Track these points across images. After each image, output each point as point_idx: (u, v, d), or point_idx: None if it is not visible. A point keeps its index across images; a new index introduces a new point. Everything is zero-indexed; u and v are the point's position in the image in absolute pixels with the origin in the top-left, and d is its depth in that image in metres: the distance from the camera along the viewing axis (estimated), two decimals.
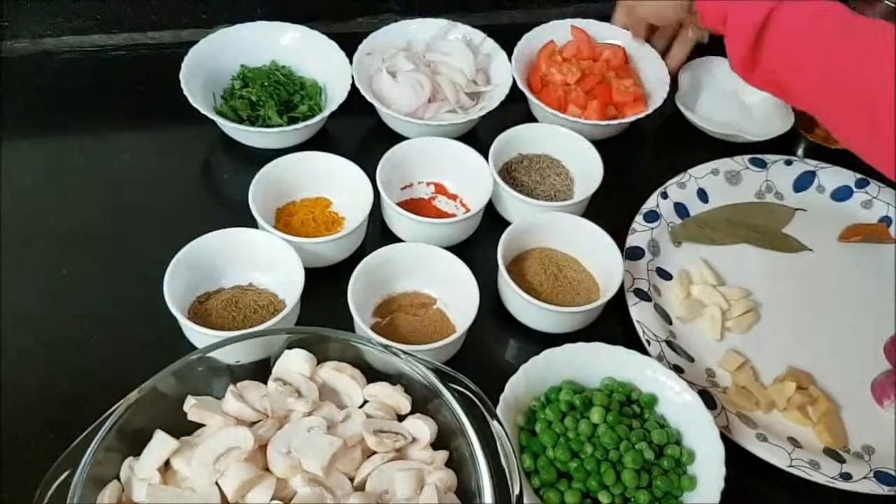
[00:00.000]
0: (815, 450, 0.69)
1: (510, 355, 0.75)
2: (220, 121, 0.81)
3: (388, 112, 0.84)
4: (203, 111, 0.80)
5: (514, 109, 0.90)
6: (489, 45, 0.92)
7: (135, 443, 0.55)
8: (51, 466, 0.51)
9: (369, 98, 0.84)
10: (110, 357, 0.69)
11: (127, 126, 0.87)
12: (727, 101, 0.94)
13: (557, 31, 0.93)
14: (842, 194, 0.88)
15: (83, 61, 0.92)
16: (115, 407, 0.53)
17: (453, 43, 0.91)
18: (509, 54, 0.90)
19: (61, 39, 0.93)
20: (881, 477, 0.66)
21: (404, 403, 0.59)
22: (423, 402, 0.59)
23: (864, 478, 0.66)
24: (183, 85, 0.81)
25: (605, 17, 0.95)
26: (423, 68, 0.88)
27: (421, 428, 0.57)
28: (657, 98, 0.89)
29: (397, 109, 0.85)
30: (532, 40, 0.92)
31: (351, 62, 0.86)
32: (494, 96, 0.88)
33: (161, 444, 0.54)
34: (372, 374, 0.61)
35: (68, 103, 0.88)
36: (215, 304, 0.70)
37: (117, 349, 0.70)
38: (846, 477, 0.66)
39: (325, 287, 0.72)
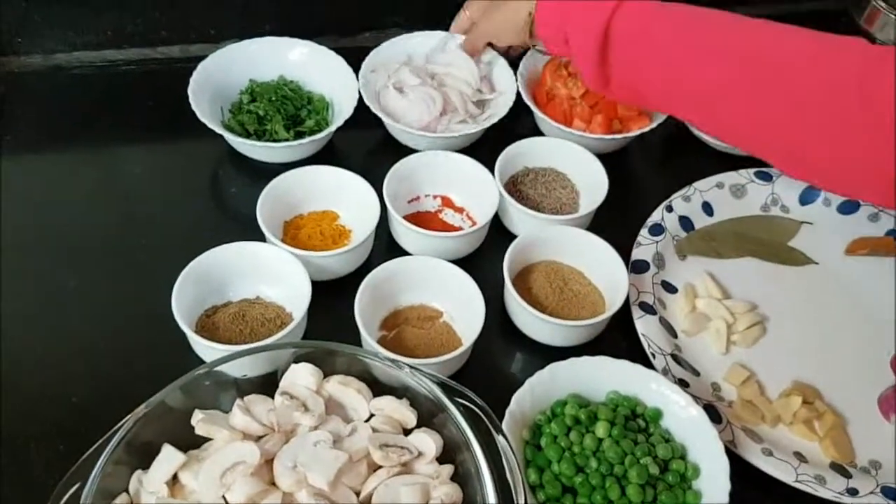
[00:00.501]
0: (822, 465, 0.69)
1: (516, 368, 0.75)
2: (228, 135, 0.82)
3: (401, 127, 0.85)
4: (211, 125, 0.81)
5: (520, 123, 0.91)
6: (489, 53, 0.92)
7: (143, 456, 0.55)
8: (60, 479, 0.51)
9: (380, 115, 0.85)
10: (119, 370, 0.70)
11: (136, 140, 0.88)
12: None
13: None
14: (848, 207, 0.88)
15: (94, 76, 0.93)
16: (123, 421, 0.54)
17: (453, 53, 0.91)
18: (515, 69, 0.91)
19: (73, 55, 0.94)
20: (888, 492, 0.66)
21: (410, 417, 0.59)
22: (428, 416, 0.59)
23: (871, 493, 0.66)
24: (191, 99, 0.82)
25: None
26: (430, 81, 0.89)
27: (426, 442, 0.57)
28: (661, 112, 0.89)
29: (408, 123, 0.85)
30: (538, 55, 0.92)
31: (358, 77, 0.87)
32: (500, 104, 0.89)
33: (169, 457, 0.54)
34: (378, 388, 0.61)
35: (79, 117, 0.89)
36: (223, 318, 0.70)
37: (126, 362, 0.70)
38: (853, 492, 0.66)
39: (332, 300, 0.73)
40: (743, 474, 0.64)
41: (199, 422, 0.56)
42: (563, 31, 0.72)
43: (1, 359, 0.69)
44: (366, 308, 0.70)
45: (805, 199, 0.88)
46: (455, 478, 0.57)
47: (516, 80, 0.89)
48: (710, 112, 0.66)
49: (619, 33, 0.68)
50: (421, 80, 0.88)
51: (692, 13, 0.66)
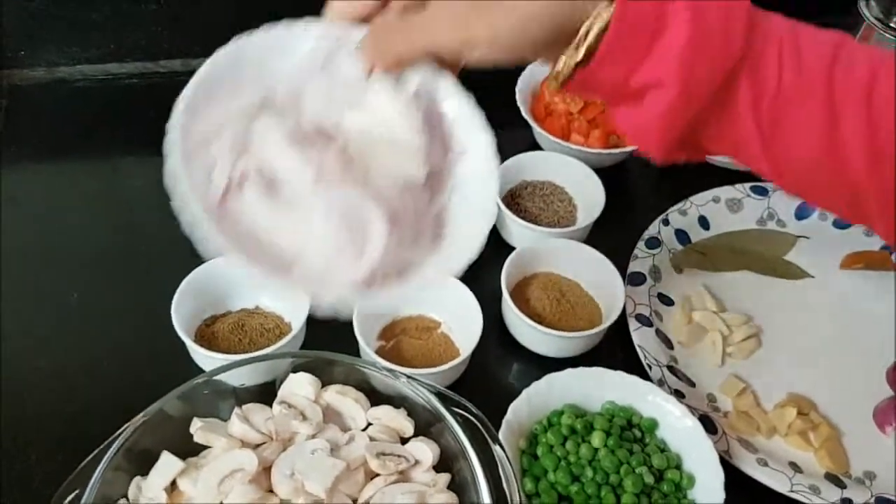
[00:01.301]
0: (817, 475, 0.69)
1: (513, 378, 0.75)
2: None
3: (310, 290, 0.41)
4: None
5: (519, 137, 0.92)
6: (419, 71, 0.42)
7: (142, 463, 0.56)
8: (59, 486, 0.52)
9: (248, 266, 0.40)
10: (119, 379, 0.70)
11: (138, 152, 0.88)
12: None
13: None
14: (844, 222, 0.88)
15: (96, 89, 0.94)
16: (122, 428, 0.54)
17: (354, 81, 0.42)
18: (513, 84, 0.92)
19: (76, 68, 0.95)
20: (882, 503, 0.66)
21: (407, 427, 0.60)
22: (426, 425, 0.60)
23: (866, 503, 0.66)
24: None
25: None
26: (330, 161, 0.41)
27: (423, 451, 0.58)
28: None
29: (313, 276, 0.40)
30: (536, 69, 0.93)
31: None
32: (464, 177, 0.45)
33: (168, 464, 0.55)
34: (376, 398, 0.61)
35: (82, 130, 0.90)
36: (222, 328, 0.71)
37: (126, 372, 0.71)
38: (847, 502, 0.66)
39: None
40: (738, 484, 0.64)
41: (198, 430, 0.57)
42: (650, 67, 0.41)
43: (1, 368, 0.69)
44: (364, 319, 0.70)
45: (801, 213, 0.89)
46: (452, 486, 0.57)
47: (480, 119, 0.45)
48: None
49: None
50: (315, 163, 0.40)
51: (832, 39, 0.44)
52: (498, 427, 0.62)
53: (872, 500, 0.67)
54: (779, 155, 0.45)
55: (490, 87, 0.50)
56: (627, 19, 0.40)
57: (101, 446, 0.53)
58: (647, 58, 0.41)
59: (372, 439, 0.58)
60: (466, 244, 0.41)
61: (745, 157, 0.46)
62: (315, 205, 0.39)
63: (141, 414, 0.55)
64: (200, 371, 0.70)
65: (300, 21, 0.41)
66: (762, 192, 0.89)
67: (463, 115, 0.44)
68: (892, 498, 0.67)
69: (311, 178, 0.38)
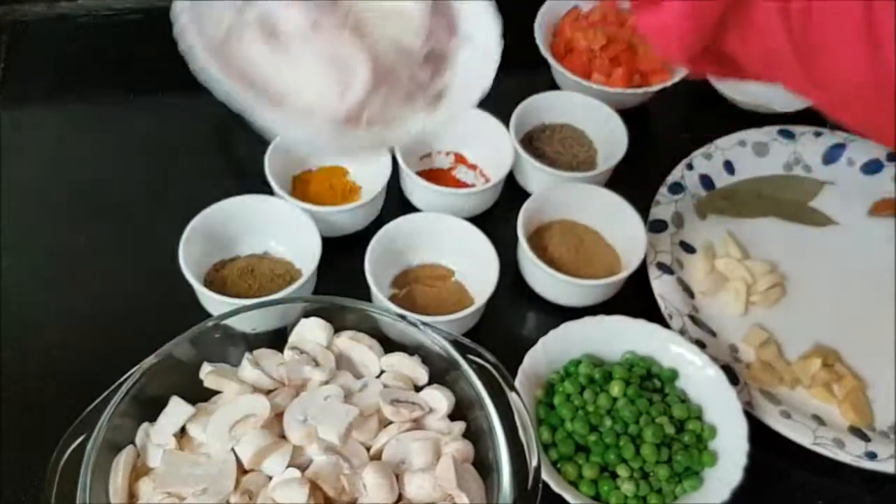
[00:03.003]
0: (840, 428, 0.67)
1: (529, 328, 0.74)
2: None
3: (280, 119, 0.43)
4: None
5: (538, 76, 0.88)
6: None
7: (150, 408, 0.55)
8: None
9: (234, 92, 0.42)
10: (127, 324, 0.69)
11: (143, 91, 0.86)
12: None
13: None
14: (872, 168, 0.85)
15: (99, 25, 0.91)
16: (130, 372, 0.53)
17: None
18: (532, 19, 0.88)
19: (77, 3, 0.92)
20: None
21: (422, 374, 0.58)
22: (440, 373, 0.58)
23: (890, 457, 0.65)
24: None
25: None
26: (328, 16, 0.43)
27: (438, 399, 0.56)
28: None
29: (299, 109, 0.43)
30: (556, 4, 0.89)
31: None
32: (472, 62, 0.47)
33: (177, 410, 0.54)
34: (389, 345, 0.60)
35: (85, 68, 0.87)
36: (231, 272, 0.69)
37: (134, 316, 0.70)
38: (871, 456, 0.64)
39: (342, 256, 0.71)
40: (760, 436, 0.63)
41: (209, 374, 0.55)
42: None
43: (6, 311, 0.68)
44: (377, 266, 0.68)
45: (828, 158, 0.86)
46: (467, 434, 0.56)
47: (496, 16, 0.47)
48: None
49: None
50: (312, 14, 0.43)
51: None
52: (513, 376, 0.61)
53: None
54: (815, 68, 0.43)
55: (507, 22, 0.48)
56: None
57: (108, 391, 0.52)
58: None
59: (385, 386, 0.57)
60: (455, 109, 0.45)
61: (779, 72, 0.45)
62: (307, 49, 0.42)
63: (149, 357, 0.54)
64: (209, 316, 0.68)
65: None
66: (789, 135, 0.86)
67: (472, 4, 0.46)
68: None
69: (308, 28, 0.41)
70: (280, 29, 0.42)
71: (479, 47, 0.46)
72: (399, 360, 0.59)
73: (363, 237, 0.72)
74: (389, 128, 0.44)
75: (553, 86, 0.88)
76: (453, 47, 0.47)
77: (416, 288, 0.72)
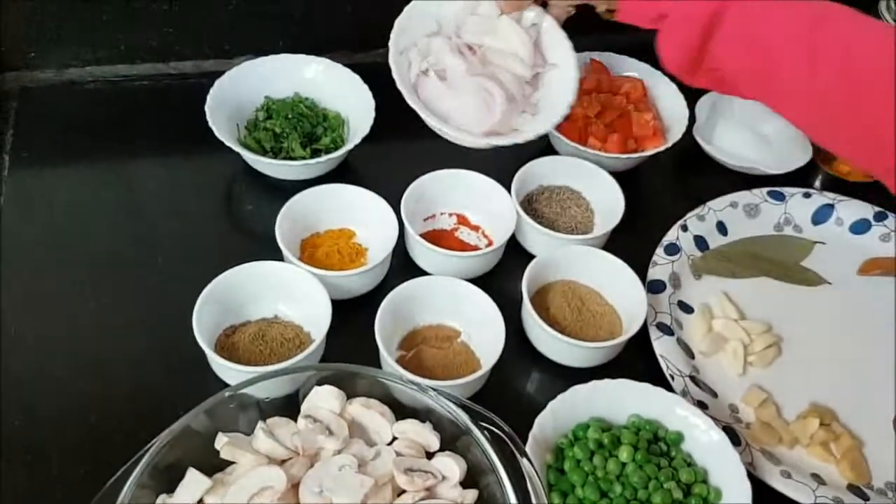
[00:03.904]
0: (839, 486, 0.69)
1: (532, 388, 0.75)
2: (245, 153, 0.81)
3: (462, 137, 0.67)
4: (228, 143, 0.81)
5: (535, 141, 0.90)
6: (533, 10, 0.70)
7: (167, 479, 0.55)
8: (82, 501, 0.51)
9: (431, 122, 0.67)
10: (138, 389, 0.69)
11: (150, 156, 0.87)
12: (745, 132, 0.94)
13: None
14: (860, 227, 0.88)
15: (107, 91, 0.93)
16: (148, 446, 0.53)
17: (492, 18, 0.69)
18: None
19: (85, 69, 0.93)
20: None
21: (433, 441, 0.59)
22: (451, 439, 0.59)
23: None
24: (208, 117, 0.81)
25: (624, 50, 0.96)
26: (475, 62, 0.68)
27: (450, 466, 0.57)
28: (676, 131, 0.90)
29: (460, 127, 0.67)
30: None
31: (373, 94, 0.86)
32: (555, 82, 0.70)
33: (195, 482, 0.54)
34: (400, 410, 0.61)
35: (93, 132, 0.89)
36: (242, 338, 0.70)
37: (144, 382, 0.70)
38: None
39: (349, 318, 0.72)
40: (762, 496, 0.64)
41: (224, 446, 0.56)
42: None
43: (19, 378, 0.69)
44: (385, 328, 0.70)
45: (818, 218, 0.89)
46: (479, 503, 0.57)
47: (571, 47, 0.70)
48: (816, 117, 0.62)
49: (735, 18, 0.62)
50: (466, 62, 0.68)
51: (813, 11, 0.61)
52: (521, 438, 0.62)
53: None
54: (773, 87, 0.62)
55: None
56: None
57: (129, 464, 0.52)
58: None
59: (398, 454, 0.58)
60: (549, 118, 0.69)
61: (749, 88, 0.64)
62: (466, 85, 0.67)
63: (166, 431, 0.54)
64: (219, 381, 0.69)
65: None
66: (779, 197, 0.89)
67: (556, 39, 0.70)
68: None
69: (464, 71, 0.67)
70: (446, 73, 0.68)
71: (563, 72, 0.70)
72: (411, 427, 0.59)
73: (370, 298, 0.74)
74: (510, 136, 0.68)
75: (551, 151, 0.90)
76: (544, 72, 0.71)
77: (423, 349, 0.73)
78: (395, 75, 0.66)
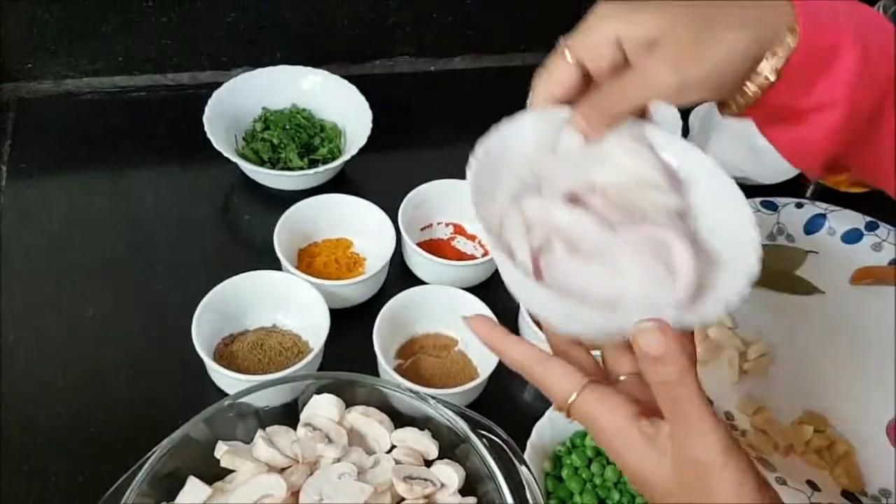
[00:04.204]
0: (834, 493, 0.69)
1: (530, 396, 0.75)
2: (243, 163, 0.82)
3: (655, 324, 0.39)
4: (226, 154, 0.81)
5: None
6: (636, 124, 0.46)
7: (166, 488, 0.55)
8: None
9: (604, 324, 0.41)
10: (136, 399, 0.69)
11: (148, 166, 0.88)
12: (738, 143, 0.95)
13: None
14: (852, 237, 0.89)
15: (105, 102, 0.93)
16: (149, 454, 0.54)
17: (581, 149, 0.45)
18: (523, 95, 0.91)
19: (83, 81, 0.94)
20: None
21: (432, 449, 0.59)
22: (449, 446, 0.59)
23: None
24: (206, 127, 0.82)
25: None
26: (605, 210, 0.44)
27: (449, 474, 0.58)
28: None
29: (638, 305, 0.40)
30: None
31: (370, 104, 0.87)
32: (703, 203, 0.47)
33: (195, 491, 0.54)
34: (399, 418, 0.61)
35: (90, 143, 0.89)
36: (241, 347, 0.70)
37: (143, 390, 0.70)
38: None
39: (347, 326, 0.73)
40: None
41: (224, 454, 0.56)
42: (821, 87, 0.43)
43: (18, 386, 0.69)
44: (383, 337, 0.70)
45: (810, 228, 0.90)
46: None
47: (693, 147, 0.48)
48: None
49: None
50: (596, 215, 0.43)
51: None
52: (519, 446, 0.62)
53: None
54: None
55: None
56: (809, 46, 0.42)
57: (128, 473, 0.53)
58: (820, 81, 0.43)
59: (397, 462, 0.58)
60: (744, 265, 0.44)
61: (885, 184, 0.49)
62: (618, 247, 0.42)
63: (166, 440, 0.55)
64: (217, 390, 0.70)
65: (518, 115, 0.46)
66: (772, 207, 0.90)
67: (678, 147, 0.47)
68: None
69: (597, 227, 0.42)
70: (574, 240, 0.42)
71: (709, 183, 0.47)
72: (410, 435, 0.60)
73: (368, 307, 0.74)
74: (706, 300, 0.43)
75: None
76: (683, 190, 0.47)
77: (421, 358, 0.73)
78: (501, 270, 0.43)
